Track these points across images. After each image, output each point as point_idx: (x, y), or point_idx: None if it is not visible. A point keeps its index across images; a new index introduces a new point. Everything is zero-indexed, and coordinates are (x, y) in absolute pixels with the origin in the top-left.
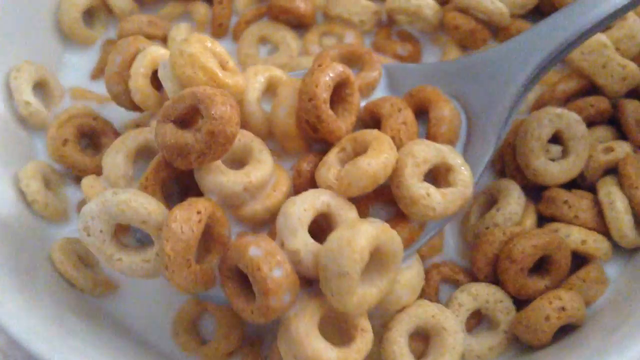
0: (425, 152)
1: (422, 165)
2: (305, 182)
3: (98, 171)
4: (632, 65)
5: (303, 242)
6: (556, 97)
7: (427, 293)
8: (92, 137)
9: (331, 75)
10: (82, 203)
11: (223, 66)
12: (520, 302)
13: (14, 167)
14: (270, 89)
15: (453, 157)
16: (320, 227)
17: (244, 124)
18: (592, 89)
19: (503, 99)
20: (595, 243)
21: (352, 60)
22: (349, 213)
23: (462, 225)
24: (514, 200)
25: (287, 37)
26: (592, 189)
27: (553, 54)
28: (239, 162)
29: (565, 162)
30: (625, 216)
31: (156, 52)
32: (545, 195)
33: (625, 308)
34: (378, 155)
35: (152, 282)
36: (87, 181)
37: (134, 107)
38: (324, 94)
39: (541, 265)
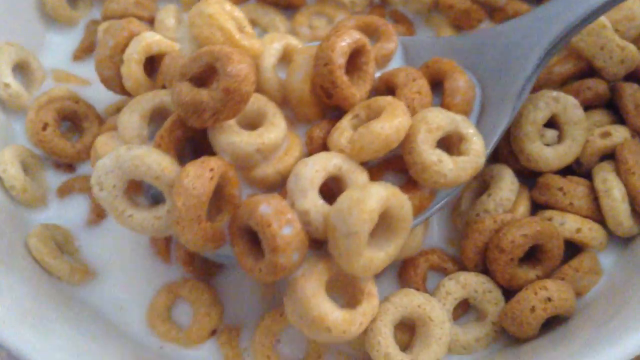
0: (439, 119)
1: (435, 132)
2: (317, 148)
3: (78, 157)
4: (631, 47)
5: (313, 202)
6: (552, 79)
7: (415, 282)
8: (74, 120)
9: (348, 41)
10: (63, 188)
11: (240, 30)
12: (511, 293)
13: None
14: (286, 57)
15: (466, 126)
16: (331, 191)
17: (259, 90)
18: (589, 71)
19: (518, 72)
20: (590, 232)
21: (369, 31)
22: (359, 177)
23: (452, 212)
24: (506, 186)
25: (276, 20)
26: (588, 175)
27: (570, 27)
28: (252, 125)
29: (561, 147)
30: (622, 204)
31: (151, 38)
32: (540, 182)
33: (618, 299)
34: (392, 119)
35: (130, 270)
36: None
37: (123, 92)
38: (340, 59)
39: (533, 254)
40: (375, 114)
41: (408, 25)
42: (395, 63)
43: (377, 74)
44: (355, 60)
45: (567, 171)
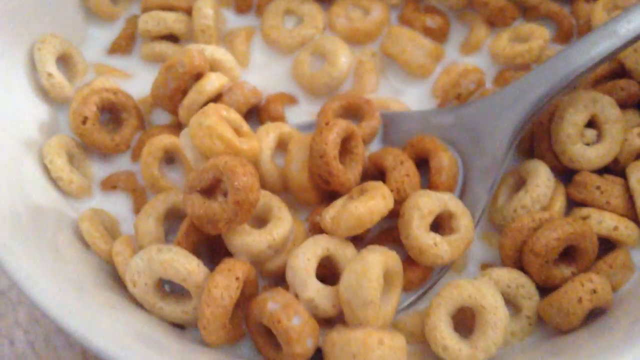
0: (430, 203)
1: (428, 216)
2: (319, 232)
3: (117, 149)
4: None
5: (315, 289)
6: (586, 80)
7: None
8: (113, 112)
9: (338, 132)
10: (107, 181)
11: (238, 131)
12: (546, 289)
13: (38, 141)
14: (282, 144)
15: (454, 204)
16: (325, 268)
17: (260, 181)
18: (621, 72)
19: (495, 147)
20: (627, 230)
21: (352, 110)
22: (347, 250)
23: (489, 208)
24: (542, 182)
25: (313, 10)
26: (623, 174)
27: (538, 104)
28: (260, 218)
29: (601, 146)
30: None
31: (212, 86)
32: (577, 180)
33: None
34: (366, 201)
35: None
36: (118, 247)
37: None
38: (334, 151)
39: (568, 252)
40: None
41: (444, 17)
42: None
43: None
44: (345, 144)
45: (603, 169)
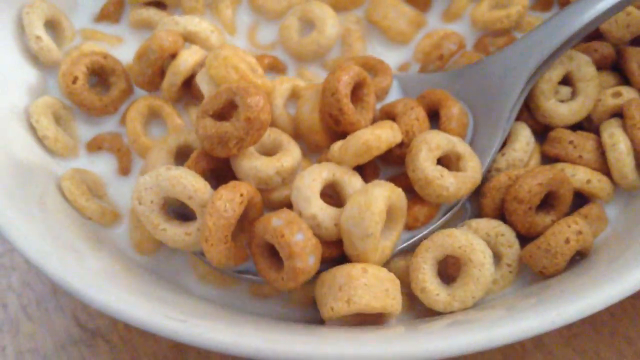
0: (438, 139)
1: (435, 150)
2: None
3: (105, 111)
4: (636, 12)
5: (318, 206)
6: None
7: None
8: (102, 75)
9: (351, 74)
10: (92, 143)
11: (253, 71)
12: (526, 241)
13: (26, 103)
14: (294, 96)
15: (463, 146)
16: (333, 198)
17: (273, 125)
18: (596, 34)
19: (504, 101)
20: (599, 183)
21: (367, 68)
22: (353, 179)
23: None
24: (520, 147)
25: None
26: (597, 133)
27: (545, 58)
28: (270, 154)
29: (575, 103)
30: (627, 158)
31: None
32: (551, 136)
33: (622, 243)
34: (373, 129)
35: None
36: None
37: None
38: (345, 89)
39: (546, 201)
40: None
41: None
42: (393, 96)
43: (378, 106)
44: (357, 92)
45: (577, 128)
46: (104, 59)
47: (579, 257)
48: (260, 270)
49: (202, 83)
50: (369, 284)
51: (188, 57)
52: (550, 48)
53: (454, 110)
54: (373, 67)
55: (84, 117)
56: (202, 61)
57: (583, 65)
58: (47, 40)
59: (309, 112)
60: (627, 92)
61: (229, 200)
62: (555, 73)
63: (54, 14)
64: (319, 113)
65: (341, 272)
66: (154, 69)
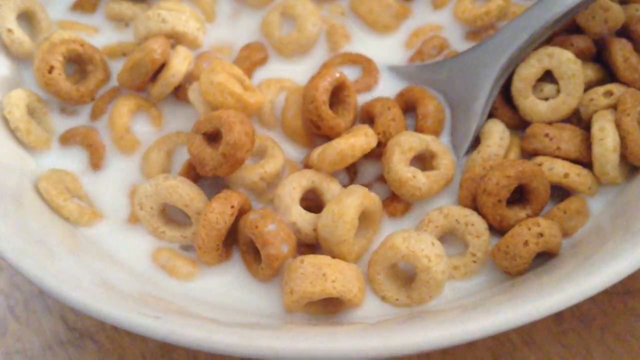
0: (410, 141)
1: (408, 152)
2: None
3: (82, 100)
4: (615, 8)
5: (297, 213)
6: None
7: None
8: (79, 63)
9: (329, 80)
10: (65, 136)
11: (242, 84)
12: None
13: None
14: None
15: (436, 144)
16: (314, 202)
17: (264, 124)
18: (575, 29)
19: (479, 93)
20: (578, 177)
21: (357, 63)
22: (332, 185)
23: None
24: (494, 142)
25: None
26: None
27: (516, 53)
28: (259, 157)
29: (554, 101)
30: (612, 154)
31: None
32: (527, 133)
33: (601, 239)
34: (348, 138)
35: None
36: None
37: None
38: (323, 96)
39: (522, 196)
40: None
41: None
42: (386, 84)
43: (369, 96)
44: (338, 94)
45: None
46: (81, 46)
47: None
48: (246, 265)
49: (196, 102)
50: (305, 273)
51: (180, 67)
52: (519, 42)
53: (429, 107)
54: (360, 64)
55: (58, 110)
56: (191, 67)
57: (564, 63)
58: (18, 32)
59: (293, 118)
60: (618, 90)
61: (221, 213)
62: (531, 71)
63: (29, 6)
64: (301, 118)
65: (287, 267)
66: (144, 79)
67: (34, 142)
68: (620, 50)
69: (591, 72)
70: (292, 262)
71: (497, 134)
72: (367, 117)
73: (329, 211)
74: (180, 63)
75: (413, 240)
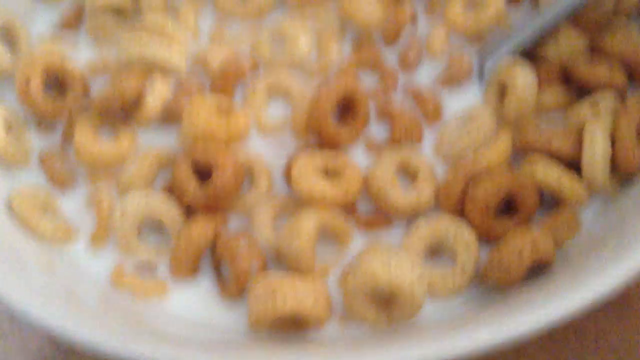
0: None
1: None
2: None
3: (57, 114)
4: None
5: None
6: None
7: None
8: (58, 79)
9: (337, 90)
10: (45, 154)
11: (225, 109)
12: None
13: None
14: (274, 91)
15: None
16: None
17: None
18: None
19: None
20: (571, 186)
21: (371, 67)
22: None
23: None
24: (484, 123)
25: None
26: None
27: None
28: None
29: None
30: (602, 161)
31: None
32: (519, 128)
33: (593, 250)
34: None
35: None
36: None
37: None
38: (327, 107)
39: (509, 206)
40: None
41: None
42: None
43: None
44: (348, 102)
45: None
46: (61, 61)
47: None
48: (217, 282)
49: (185, 138)
50: (257, 293)
51: (154, 105)
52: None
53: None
54: (377, 69)
55: (36, 125)
56: (169, 99)
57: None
58: None
59: (300, 120)
60: (603, 98)
61: (200, 235)
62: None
63: (8, 21)
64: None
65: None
66: (118, 110)
67: (11, 157)
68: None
69: (555, 95)
70: (252, 281)
71: (488, 117)
72: (385, 115)
73: (286, 226)
74: (154, 101)
75: (393, 266)
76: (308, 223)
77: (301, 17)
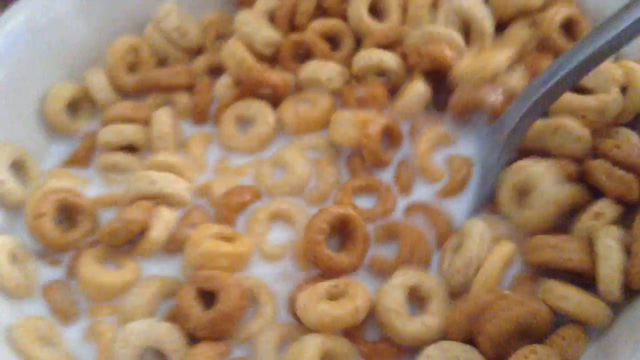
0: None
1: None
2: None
3: (65, 248)
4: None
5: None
6: None
7: None
8: (69, 212)
9: (326, 218)
10: (49, 287)
11: (228, 237)
12: None
13: None
14: (276, 216)
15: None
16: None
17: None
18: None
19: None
20: (593, 309)
21: (370, 189)
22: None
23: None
24: (475, 244)
25: (262, 108)
26: None
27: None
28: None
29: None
30: (618, 275)
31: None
32: (530, 244)
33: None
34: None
35: None
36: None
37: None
38: (319, 237)
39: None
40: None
41: (376, 84)
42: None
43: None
44: (343, 228)
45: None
46: (74, 197)
47: None
48: None
49: (188, 266)
50: None
51: (159, 236)
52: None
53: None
54: (377, 190)
55: (41, 258)
56: (173, 230)
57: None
58: (10, 183)
59: (300, 249)
60: (608, 207)
61: None
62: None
63: (19, 155)
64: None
65: None
66: (124, 241)
67: (14, 288)
68: (601, 167)
69: (574, 192)
70: None
71: (477, 234)
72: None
73: (289, 352)
74: (159, 233)
75: None
76: (311, 349)
77: (299, 146)
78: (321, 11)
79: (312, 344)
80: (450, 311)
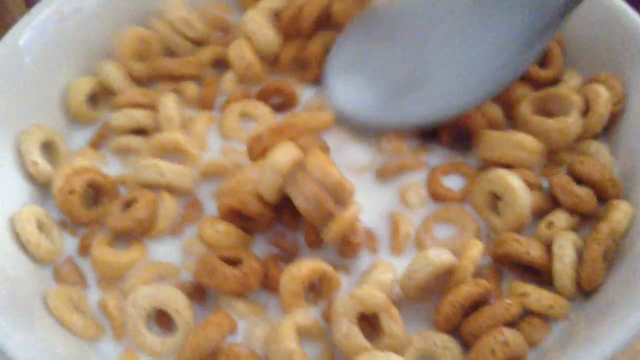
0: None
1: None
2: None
3: (89, 223)
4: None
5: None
6: None
7: None
8: (95, 191)
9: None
10: (80, 248)
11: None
12: None
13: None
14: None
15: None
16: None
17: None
18: None
19: None
20: (561, 309)
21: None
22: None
23: None
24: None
25: (266, 114)
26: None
27: None
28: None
29: None
30: (571, 271)
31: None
32: (498, 240)
33: (568, 345)
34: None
35: None
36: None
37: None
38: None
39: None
40: None
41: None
42: None
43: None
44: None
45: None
46: (103, 178)
47: None
48: None
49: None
50: None
51: (164, 227)
52: None
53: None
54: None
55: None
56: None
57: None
58: (43, 164)
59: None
60: (558, 218)
61: (209, 340)
62: None
63: (49, 136)
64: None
65: None
66: (133, 233)
67: (43, 255)
68: (558, 180)
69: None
70: None
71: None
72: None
73: (269, 332)
74: (164, 224)
75: None
76: (287, 332)
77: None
78: (326, 16)
79: (287, 326)
80: (439, 304)
